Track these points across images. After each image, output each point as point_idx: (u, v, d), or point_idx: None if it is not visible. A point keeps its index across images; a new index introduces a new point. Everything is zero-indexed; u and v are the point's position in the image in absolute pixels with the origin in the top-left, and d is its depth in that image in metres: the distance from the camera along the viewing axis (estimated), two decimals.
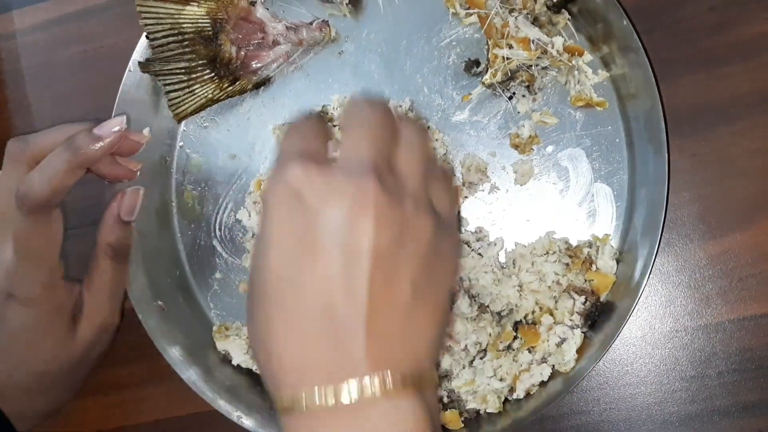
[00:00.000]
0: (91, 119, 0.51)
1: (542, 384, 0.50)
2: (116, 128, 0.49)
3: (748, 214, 0.51)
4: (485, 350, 0.51)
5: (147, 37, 0.54)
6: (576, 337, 0.49)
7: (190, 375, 0.53)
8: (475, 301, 0.51)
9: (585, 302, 0.50)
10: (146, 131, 0.52)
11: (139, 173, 0.53)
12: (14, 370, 0.51)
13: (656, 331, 0.52)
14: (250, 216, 0.55)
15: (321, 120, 0.41)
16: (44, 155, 0.48)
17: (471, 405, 0.51)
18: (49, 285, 0.50)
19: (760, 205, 0.51)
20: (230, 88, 0.55)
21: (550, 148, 0.53)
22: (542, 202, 0.52)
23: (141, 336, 0.54)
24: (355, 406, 0.33)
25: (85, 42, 0.63)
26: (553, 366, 0.50)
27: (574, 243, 0.51)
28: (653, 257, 0.48)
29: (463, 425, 0.51)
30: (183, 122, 0.57)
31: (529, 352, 0.50)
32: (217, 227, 0.57)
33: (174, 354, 0.54)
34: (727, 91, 0.51)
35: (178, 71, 0.54)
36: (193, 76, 0.54)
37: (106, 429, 0.59)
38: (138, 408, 0.58)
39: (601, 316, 0.50)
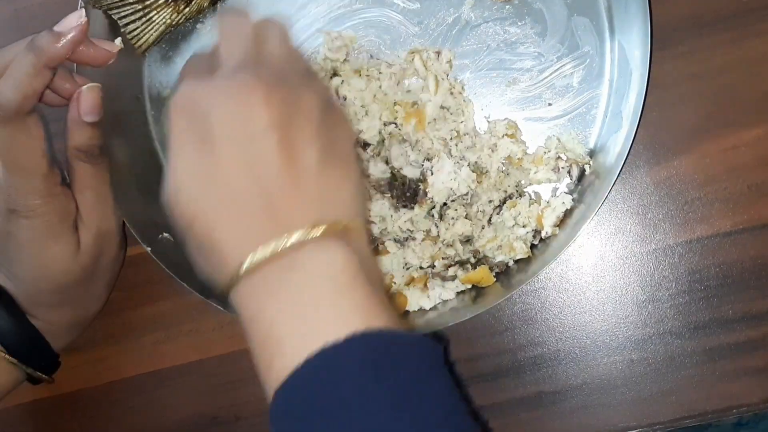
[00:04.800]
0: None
1: (566, 214, 0.51)
2: (77, 22, 0.47)
3: (691, 137, 0.52)
4: (500, 206, 0.52)
5: None
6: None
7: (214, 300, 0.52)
8: (476, 165, 0.51)
9: None
10: (118, 41, 0.50)
11: (116, 58, 0.50)
12: (31, 287, 0.51)
13: (606, 259, 0.52)
14: None
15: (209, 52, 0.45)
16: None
17: (499, 258, 0.51)
18: (47, 193, 0.48)
19: (702, 128, 0.52)
20: (187, 9, 0.54)
21: None
22: (524, 48, 0.53)
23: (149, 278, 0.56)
24: (287, 260, 0.36)
25: (14, 1, 0.61)
26: (573, 198, 0.51)
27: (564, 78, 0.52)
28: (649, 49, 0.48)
29: (495, 279, 0.51)
30: (147, 57, 0.55)
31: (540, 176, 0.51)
32: None
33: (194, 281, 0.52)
34: (665, 15, 0.51)
35: (130, 1, 0.52)
36: (147, 2, 0.53)
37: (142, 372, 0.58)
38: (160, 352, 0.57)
39: None
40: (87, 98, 0.49)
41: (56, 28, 0.47)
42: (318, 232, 0.37)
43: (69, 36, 0.46)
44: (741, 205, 0.51)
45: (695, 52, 0.52)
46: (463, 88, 0.53)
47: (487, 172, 0.51)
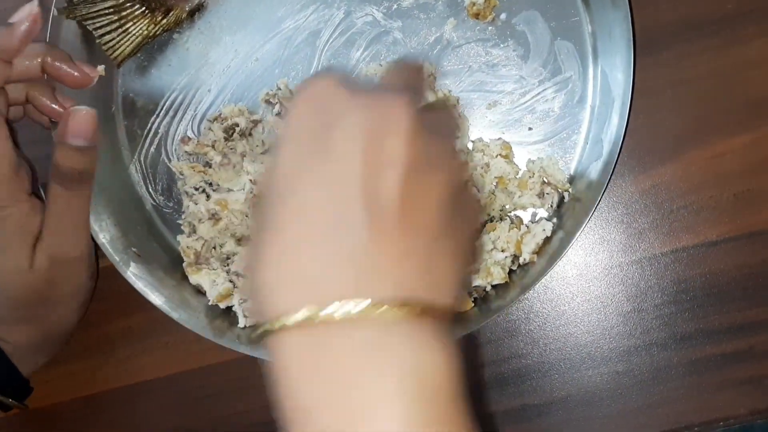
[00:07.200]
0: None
1: (546, 242, 0.49)
2: (30, 12, 0.45)
3: (677, 145, 0.51)
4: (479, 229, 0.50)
5: None
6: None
7: (180, 315, 0.51)
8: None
9: None
10: (101, 68, 0.49)
11: (96, 80, 0.48)
12: None
13: (591, 269, 0.51)
14: (182, 173, 0.53)
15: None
16: None
17: (476, 282, 0.50)
18: (8, 198, 0.46)
19: (687, 135, 0.51)
20: (164, 20, 0.52)
21: (503, 16, 0.52)
22: (506, 70, 0.52)
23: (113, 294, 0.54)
24: (359, 333, 0.30)
25: None
26: (554, 223, 0.50)
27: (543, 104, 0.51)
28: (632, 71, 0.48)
29: (473, 304, 0.50)
30: (121, 65, 0.54)
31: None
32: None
33: (158, 299, 0.52)
34: (650, 21, 0.50)
35: (106, 11, 0.51)
36: (124, 14, 0.51)
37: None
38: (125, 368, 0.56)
39: None
40: (78, 120, 0.46)
41: (11, 19, 0.45)
42: (411, 312, 0.30)
43: (22, 27, 0.45)
44: (727, 213, 0.50)
45: (681, 59, 0.51)
46: (458, 101, 0.51)
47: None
